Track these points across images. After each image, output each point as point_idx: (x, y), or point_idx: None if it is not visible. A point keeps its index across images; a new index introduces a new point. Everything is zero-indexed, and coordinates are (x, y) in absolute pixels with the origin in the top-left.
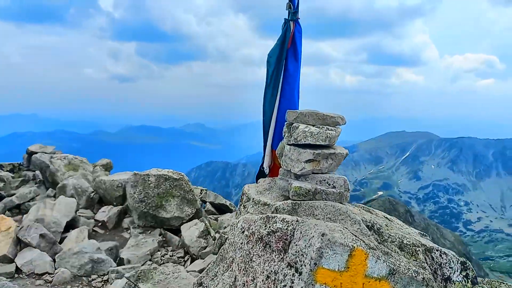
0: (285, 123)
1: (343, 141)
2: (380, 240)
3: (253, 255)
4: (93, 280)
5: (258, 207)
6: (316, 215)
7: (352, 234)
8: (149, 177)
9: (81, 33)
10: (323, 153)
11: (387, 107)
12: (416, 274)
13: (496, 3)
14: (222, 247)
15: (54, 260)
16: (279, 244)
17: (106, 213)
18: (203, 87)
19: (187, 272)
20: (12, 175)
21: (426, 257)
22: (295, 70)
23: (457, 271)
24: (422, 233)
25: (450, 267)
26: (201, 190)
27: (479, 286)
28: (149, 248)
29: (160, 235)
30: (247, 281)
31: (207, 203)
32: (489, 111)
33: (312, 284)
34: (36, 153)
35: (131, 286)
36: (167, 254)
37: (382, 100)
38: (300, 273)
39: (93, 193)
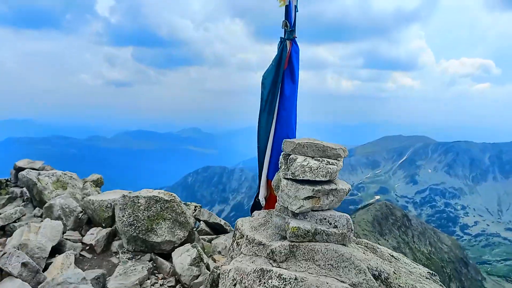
0: (282, 153)
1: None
2: None
3: None
4: None
5: (253, 246)
6: (317, 260)
7: None
8: (138, 199)
9: (78, 38)
10: (324, 189)
11: (384, 112)
12: None
13: (491, 8)
14: None
15: None
16: None
17: (94, 235)
18: (200, 92)
19: None
20: None
21: None
22: (292, 93)
23: None
24: (431, 272)
25: None
26: (195, 207)
27: None
28: (138, 277)
29: (150, 260)
30: None
31: (201, 222)
32: (485, 115)
33: None
34: (24, 169)
35: None
36: (157, 282)
37: (378, 105)
38: None
39: (81, 213)
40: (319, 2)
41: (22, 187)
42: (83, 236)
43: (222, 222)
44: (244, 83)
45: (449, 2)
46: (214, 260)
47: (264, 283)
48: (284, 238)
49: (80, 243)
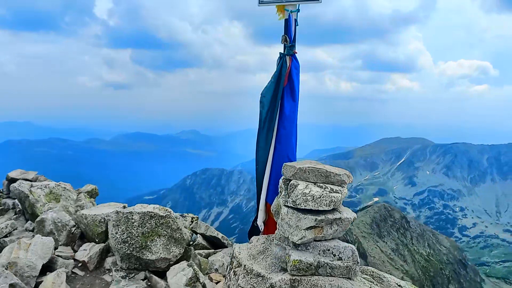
0: (282, 177)
1: (339, 147)
2: None
3: None
4: None
5: (251, 278)
6: None
7: None
8: (132, 215)
9: (76, 41)
10: (327, 218)
11: (382, 113)
12: None
13: (488, 10)
14: None
15: None
16: None
17: (87, 251)
18: (198, 94)
19: None
20: None
21: None
22: (292, 111)
23: None
24: None
25: None
26: (191, 218)
27: None
28: None
29: (145, 278)
30: None
31: (198, 235)
32: (483, 117)
33: None
34: (16, 179)
35: None
36: None
37: (377, 106)
38: None
39: (74, 228)
40: (316, 4)
41: (15, 199)
42: (75, 251)
43: (220, 235)
44: (242, 85)
45: (446, 4)
46: (211, 279)
47: None
48: (284, 269)
49: (72, 260)
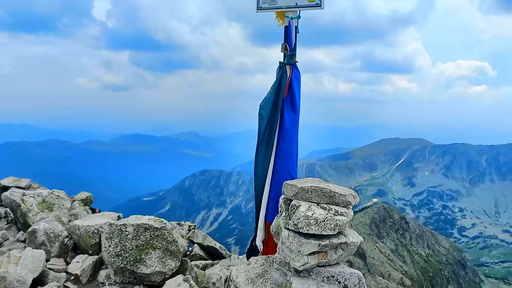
0: (282, 197)
1: (338, 148)
2: None
3: None
4: None
5: None
6: None
7: None
8: (126, 227)
9: (75, 42)
10: (332, 243)
11: (381, 114)
12: None
13: (486, 11)
14: None
15: None
16: None
17: (80, 264)
18: (197, 96)
19: None
20: None
21: None
22: (292, 124)
23: None
24: None
25: None
26: (189, 227)
27: None
28: None
29: None
30: None
31: (195, 244)
32: (482, 117)
33: None
34: (9, 187)
35: None
36: None
37: (375, 107)
38: None
39: (67, 238)
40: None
41: (7, 207)
42: (68, 263)
43: (217, 245)
44: (241, 86)
45: (444, 5)
46: None
47: None
48: None
49: (64, 273)
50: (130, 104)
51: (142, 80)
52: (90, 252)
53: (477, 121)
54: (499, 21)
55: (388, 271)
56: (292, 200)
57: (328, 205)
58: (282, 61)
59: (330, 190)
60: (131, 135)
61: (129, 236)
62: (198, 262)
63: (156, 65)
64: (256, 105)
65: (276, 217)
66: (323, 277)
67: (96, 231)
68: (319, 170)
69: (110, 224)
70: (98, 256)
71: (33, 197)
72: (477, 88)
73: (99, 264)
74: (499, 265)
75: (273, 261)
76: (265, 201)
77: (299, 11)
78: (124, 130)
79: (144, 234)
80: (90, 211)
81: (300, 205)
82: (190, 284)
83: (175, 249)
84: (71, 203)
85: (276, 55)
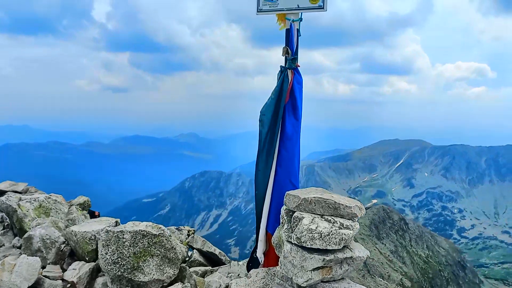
0: (284, 207)
1: (337, 149)
2: None
3: None
4: None
5: None
6: None
7: None
8: (123, 234)
9: (74, 44)
10: (337, 258)
11: (380, 115)
12: None
13: (486, 12)
14: None
15: None
16: None
17: (76, 271)
18: (197, 97)
19: None
20: None
21: None
22: (294, 131)
23: None
24: None
25: None
26: (188, 231)
27: None
28: None
29: None
30: None
31: (194, 250)
32: (481, 119)
33: None
34: (5, 192)
35: None
36: None
37: (375, 109)
38: None
39: (64, 245)
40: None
41: (3, 212)
42: (64, 270)
43: (217, 251)
44: (241, 88)
45: (443, 7)
46: None
47: None
48: None
49: (60, 281)
50: (130, 105)
51: (142, 81)
52: (87, 259)
53: (476, 122)
54: (498, 22)
55: (387, 272)
56: (295, 211)
57: (333, 217)
58: (284, 65)
59: (335, 202)
60: (131, 136)
61: (126, 243)
62: (197, 269)
63: (156, 66)
64: (255, 106)
65: (277, 228)
66: None
67: (93, 237)
68: (318, 171)
69: (107, 231)
70: (95, 263)
71: (30, 202)
72: (476, 89)
73: (96, 271)
74: (499, 266)
75: (274, 274)
76: (266, 211)
77: (301, 13)
78: (124, 131)
79: (141, 241)
80: (88, 215)
81: (303, 217)
82: None
83: (173, 256)
84: (69, 208)
85: (276, 57)
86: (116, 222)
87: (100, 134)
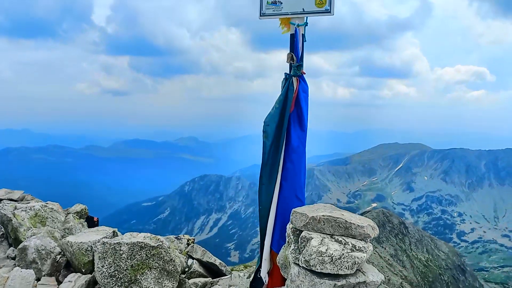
0: (290, 226)
1: (337, 153)
2: None
3: None
4: None
5: None
6: None
7: None
8: (120, 246)
9: (74, 47)
10: (349, 283)
11: (380, 119)
12: None
13: (484, 16)
14: None
15: None
16: None
17: (72, 283)
18: (196, 101)
19: None
20: None
21: None
22: (300, 142)
23: None
24: None
25: None
26: (188, 241)
27: None
28: None
29: None
30: None
31: (194, 260)
32: (480, 122)
33: None
34: (0, 200)
35: None
36: None
37: (374, 112)
38: None
39: (59, 255)
40: None
41: None
42: (60, 282)
43: (217, 261)
44: (240, 91)
45: (442, 11)
46: None
47: None
48: None
49: None
50: (129, 109)
51: (142, 85)
52: (83, 270)
53: (475, 125)
54: (497, 26)
55: (388, 276)
56: (302, 230)
57: (344, 237)
58: (288, 72)
59: (346, 221)
60: (130, 140)
61: (123, 255)
62: (197, 280)
63: (156, 70)
64: (255, 109)
65: (283, 247)
66: None
67: (89, 249)
68: (318, 175)
69: (103, 243)
70: (92, 275)
71: (25, 210)
72: (475, 93)
73: (93, 284)
74: (499, 269)
75: None
76: (271, 228)
77: (306, 17)
78: (123, 135)
79: (139, 253)
80: (85, 224)
81: (312, 238)
82: None
83: (172, 268)
84: (66, 216)
85: (275, 60)
86: (114, 232)
87: (100, 138)
